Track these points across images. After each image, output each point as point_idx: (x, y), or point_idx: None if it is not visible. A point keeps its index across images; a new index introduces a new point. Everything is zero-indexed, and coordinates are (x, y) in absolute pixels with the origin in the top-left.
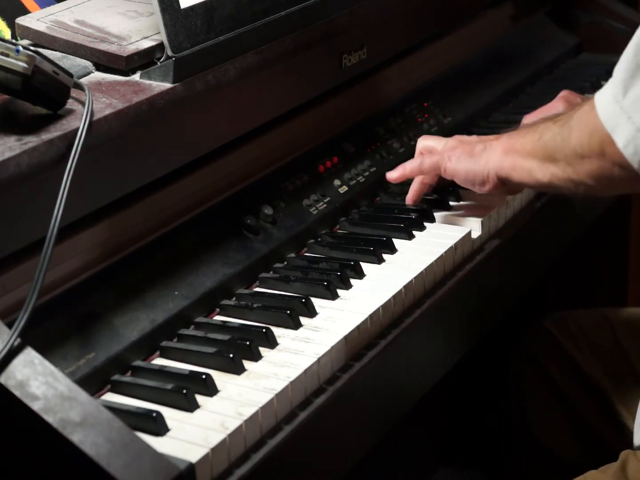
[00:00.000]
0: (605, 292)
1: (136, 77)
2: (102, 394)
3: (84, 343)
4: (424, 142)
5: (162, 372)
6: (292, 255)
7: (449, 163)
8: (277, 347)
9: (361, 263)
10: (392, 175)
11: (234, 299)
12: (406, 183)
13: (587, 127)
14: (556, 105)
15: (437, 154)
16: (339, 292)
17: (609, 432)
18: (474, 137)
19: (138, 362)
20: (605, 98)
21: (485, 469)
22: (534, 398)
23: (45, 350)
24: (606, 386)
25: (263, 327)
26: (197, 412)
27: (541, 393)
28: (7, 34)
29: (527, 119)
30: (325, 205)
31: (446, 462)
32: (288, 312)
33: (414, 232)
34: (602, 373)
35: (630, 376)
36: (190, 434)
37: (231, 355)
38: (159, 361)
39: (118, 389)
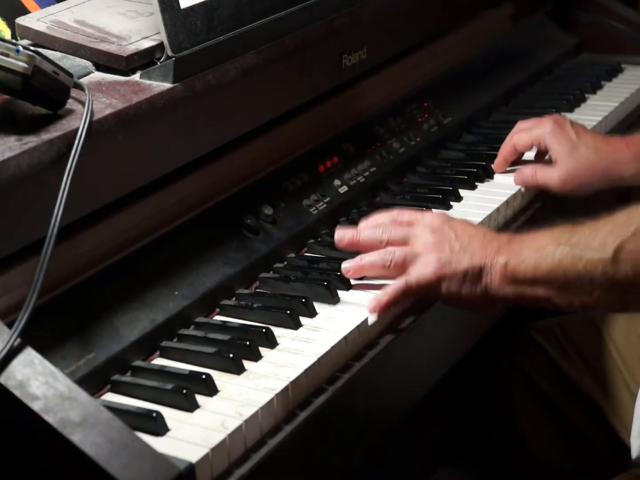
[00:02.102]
0: None
1: (136, 77)
2: (102, 394)
3: (84, 343)
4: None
5: (162, 372)
6: (292, 255)
7: (440, 288)
8: (277, 347)
9: None
10: (346, 267)
11: (234, 299)
12: (406, 184)
13: None
14: (544, 122)
15: (412, 256)
16: (339, 292)
17: (601, 442)
18: (453, 243)
19: (138, 362)
20: None
21: (485, 469)
22: (522, 409)
23: (45, 350)
24: (596, 395)
25: (263, 327)
26: (197, 412)
27: (530, 404)
28: (7, 34)
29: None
30: (325, 205)
31: (446, 462)
32: (288, 312)
33: None
34: (591, 382)
35: (620, 384)
36: (190, 434)
37: (231, 355)
38: (159, 361)
39: (118, 389)
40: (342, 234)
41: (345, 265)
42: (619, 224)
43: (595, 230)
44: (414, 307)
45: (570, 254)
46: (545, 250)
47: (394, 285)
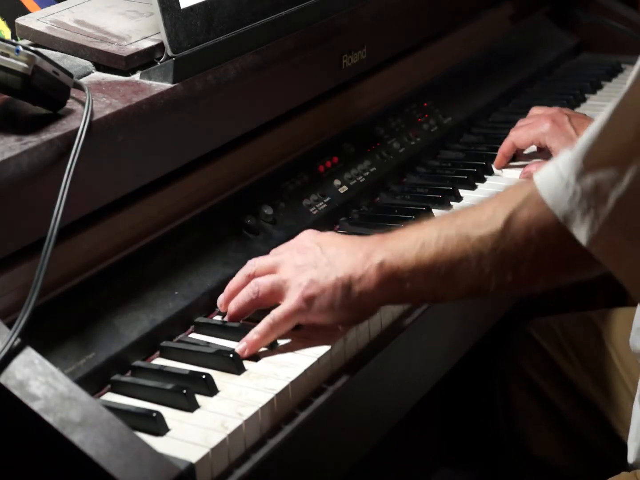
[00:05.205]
0: (602, 294)
1: (136, 77)
2: (102, 394)
3: (84, 343)
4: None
5: (162, 372)
6: None
7: (311, 309)
8: (278, 347)
9: None
10: (220, 301)
11: None
12: (406, 184)
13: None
14: (542, 122)
15: (281, 283)
16: None
17: (601, 441)
18: (319, 259)
19: (138, 362)
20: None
21: (484, 469)
22: (521, 408)
23: (45, 350)
24: (595, 394)
25: None
26: (197, 412)
27: (529, 403)
28: (7, 34)
29: (521, 122)
30: (325, 205)
31: (446, 462)
32: None
33: None
34: (590, 381)
35: (618, 383)
36: (190, 434)
37: (231, 355)
38: (159, 361)
39: (118, 389)
40: (219, 301)
41: (220, 304)
42: (507, 195)
43: (482, 207)
44: (414, 307)
45: (456, 237)
46: (427, 238)
47: (262, 323)
